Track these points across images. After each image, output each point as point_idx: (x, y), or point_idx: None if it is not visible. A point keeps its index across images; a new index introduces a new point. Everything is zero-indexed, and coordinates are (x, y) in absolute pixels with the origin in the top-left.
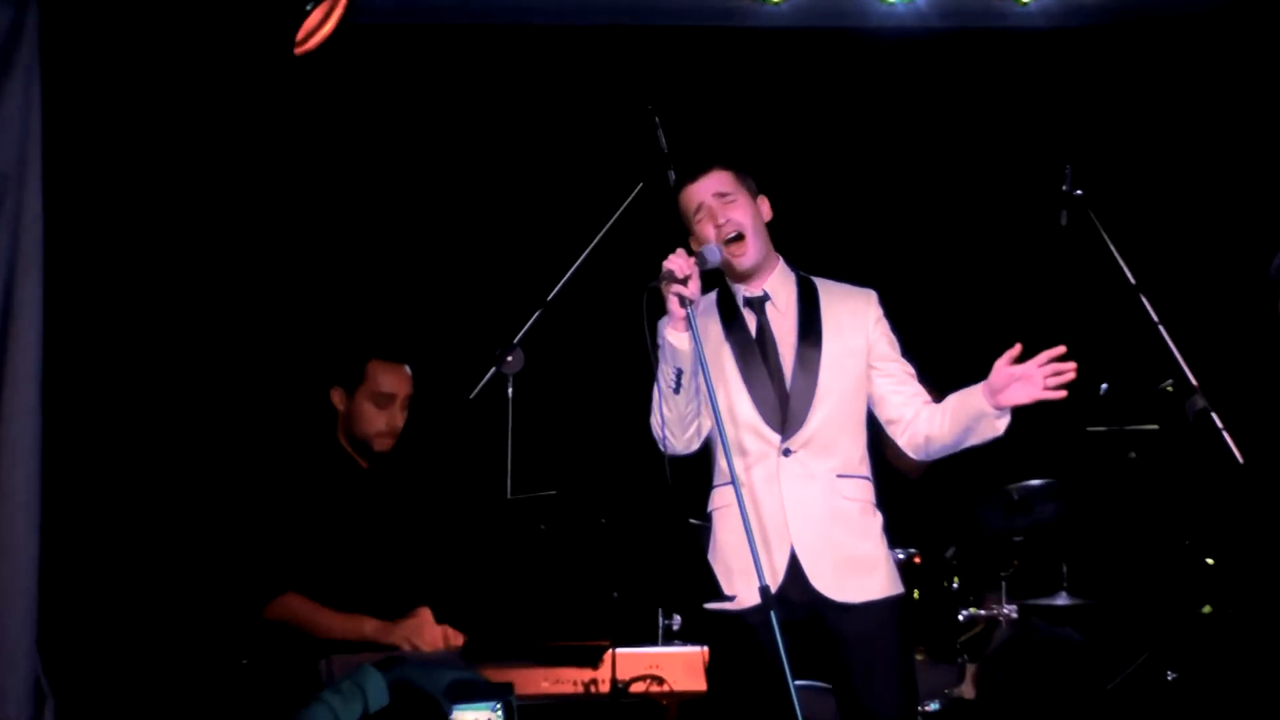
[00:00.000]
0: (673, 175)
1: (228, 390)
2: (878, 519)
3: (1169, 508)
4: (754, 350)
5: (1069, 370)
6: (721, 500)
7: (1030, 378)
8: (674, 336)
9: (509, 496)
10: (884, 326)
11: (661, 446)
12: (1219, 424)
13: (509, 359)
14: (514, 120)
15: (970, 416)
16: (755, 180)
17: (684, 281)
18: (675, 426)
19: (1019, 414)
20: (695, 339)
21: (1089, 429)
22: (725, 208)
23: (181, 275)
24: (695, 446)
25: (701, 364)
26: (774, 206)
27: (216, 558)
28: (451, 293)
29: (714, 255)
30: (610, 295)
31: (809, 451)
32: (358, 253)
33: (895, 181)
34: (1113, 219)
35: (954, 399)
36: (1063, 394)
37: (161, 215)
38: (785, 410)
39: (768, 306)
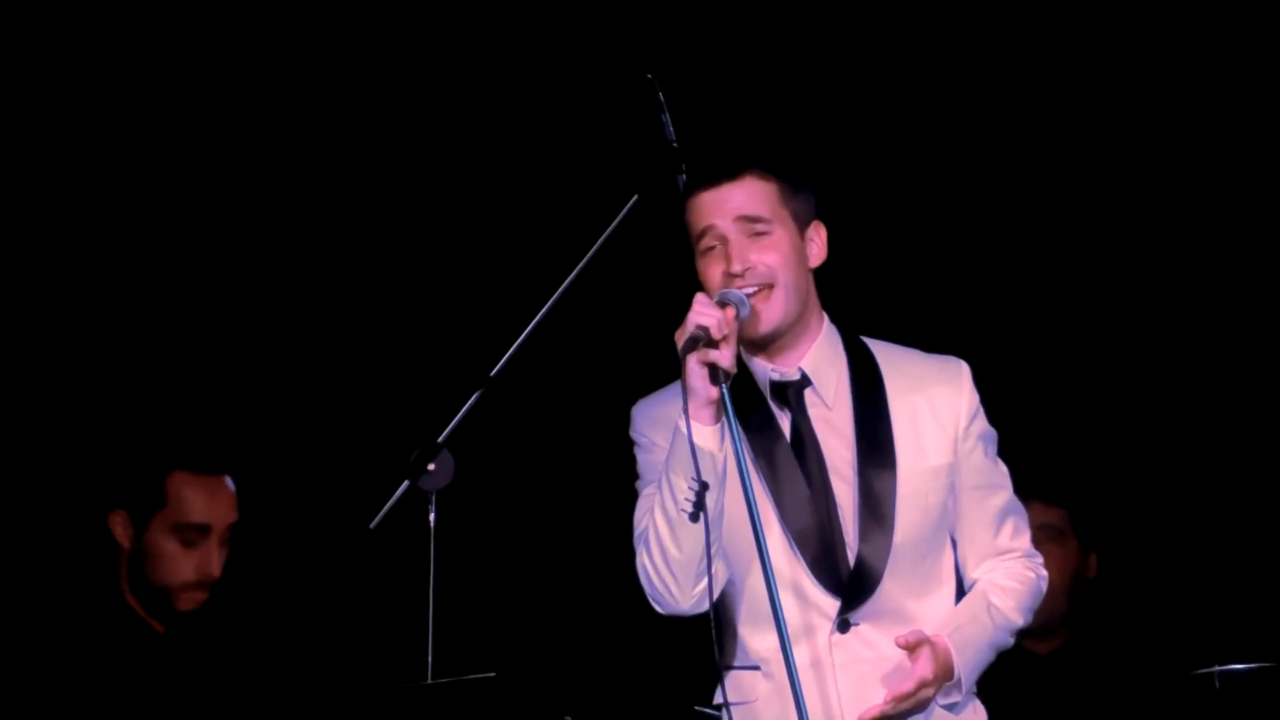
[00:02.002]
0: (684, 182)
1: None
2: (980, 716)
3: None
4: (792, 467)
5: None
6: (742, 691)
7: None
8: (698, 432)
9: (428, 681)
10: (979, 426)
11: (655, 603)
12: None
13: (431, 468)
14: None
15: None
16: (812, 195)
17: (717, 344)
18: (684, 573)
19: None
20: (733, 434)
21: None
22: (751, 244)
23: None
24: (706, 606)
25: (742, 473)
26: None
27: None
28: (333, 361)
29: (745, 307)
30: (588, 366)
31: (877, 624)
32: (158, 291)
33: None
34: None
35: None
36: None
37: None
38: (845, 564)
39: (809, 396)
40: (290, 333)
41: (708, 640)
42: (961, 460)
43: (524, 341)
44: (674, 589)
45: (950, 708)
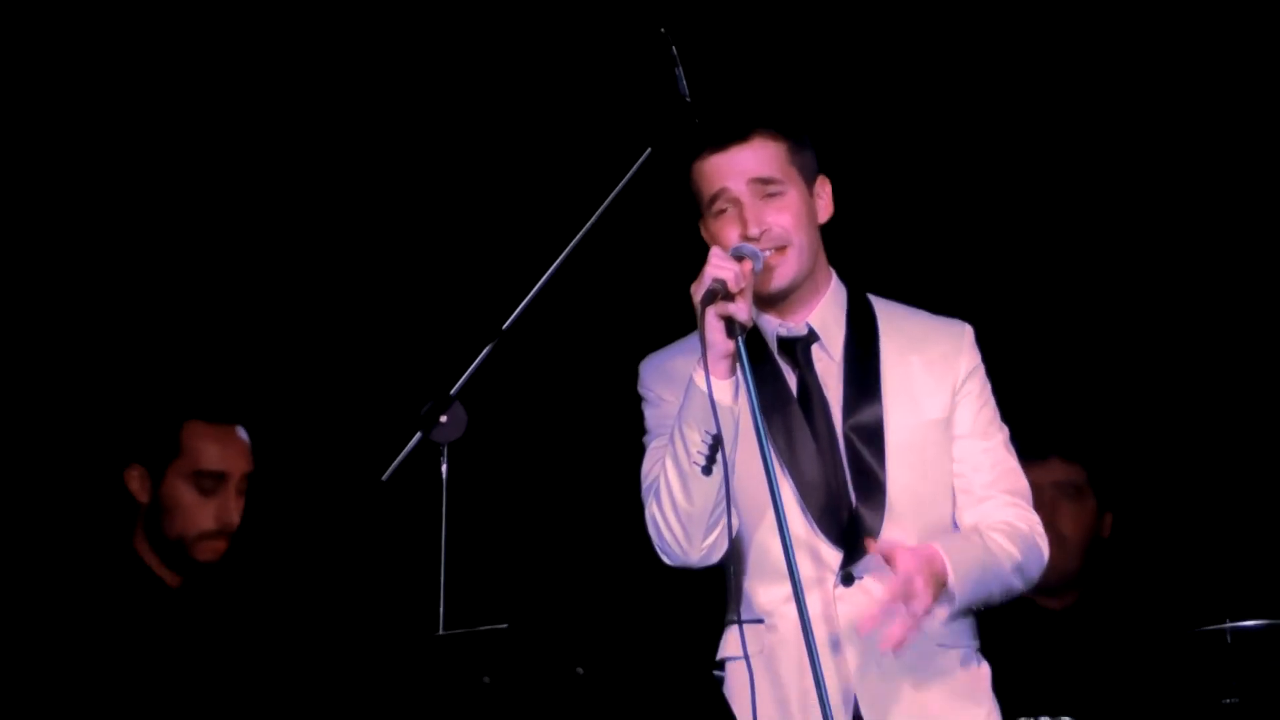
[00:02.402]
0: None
1: None
2: (984, 671)
3: None
4: (799, 419)
5: None
6: (740, 645)
7: None
8: (716, 385)
9: (440, 632)
10: (976, 383)
11: (664, 555)
12: None
13: (443, 420)
14: (446, 50)
15: None
16: (817, 152)
17: (734, 297)
18: (695, 526)
19: (1243, 515)
20: (749, 387)
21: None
22: (766, 205)
23: None
24: (716, 558)
25: (757, 426)
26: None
27: None
28: (344, 315)
29: (759, 260)
30: (600, 320)
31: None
32: (168, 246)
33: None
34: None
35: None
36: None
37: None
38: (847, 515)
39: (815, 351)
40: (303, 286)
41: (716, 594)
42: (956, 410)
43: (537, 294)
44: (683, 541)
45: (953, 660)
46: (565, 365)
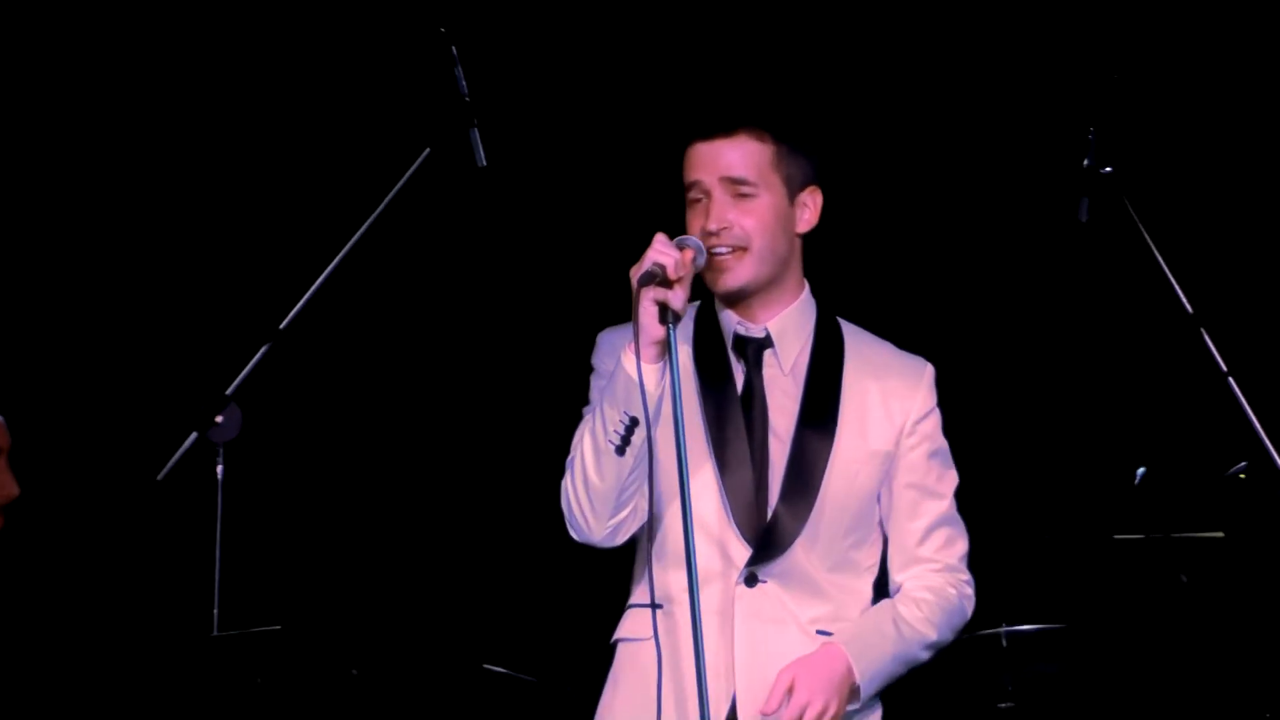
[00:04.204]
0: (476, 136)
1: None
2: (875, 711)
3: (1238, 655)
4: (737, 419)
5: None
6: (636, 628)
7: None
8: (644, 370)
9: (214, 633)
10: (930, 425)
11: (570, 529)
12: None
13: (219, 420)
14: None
15: None
16: (815, 159)
17: (671, 285)
18: (602, 503)
19: (1016, 522)
20: (674, 373)
21: (1117, 536)
22: (733, 205)
23: None
24: (620, 540)
25: (676, 415)
26: None
27: None
28: (120, 312)
29: (702, 255)
30: (377, 320)
31: (785, 586)
32: None
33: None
34: (1158, 212)
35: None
36: None
37: None
38: (764, 519)
39: (767, 356)
40: (79, 283)
41: (492, 594)
42: (901, 455)
43: (314, 294)
44: (590, 517)
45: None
46: (342, 365)
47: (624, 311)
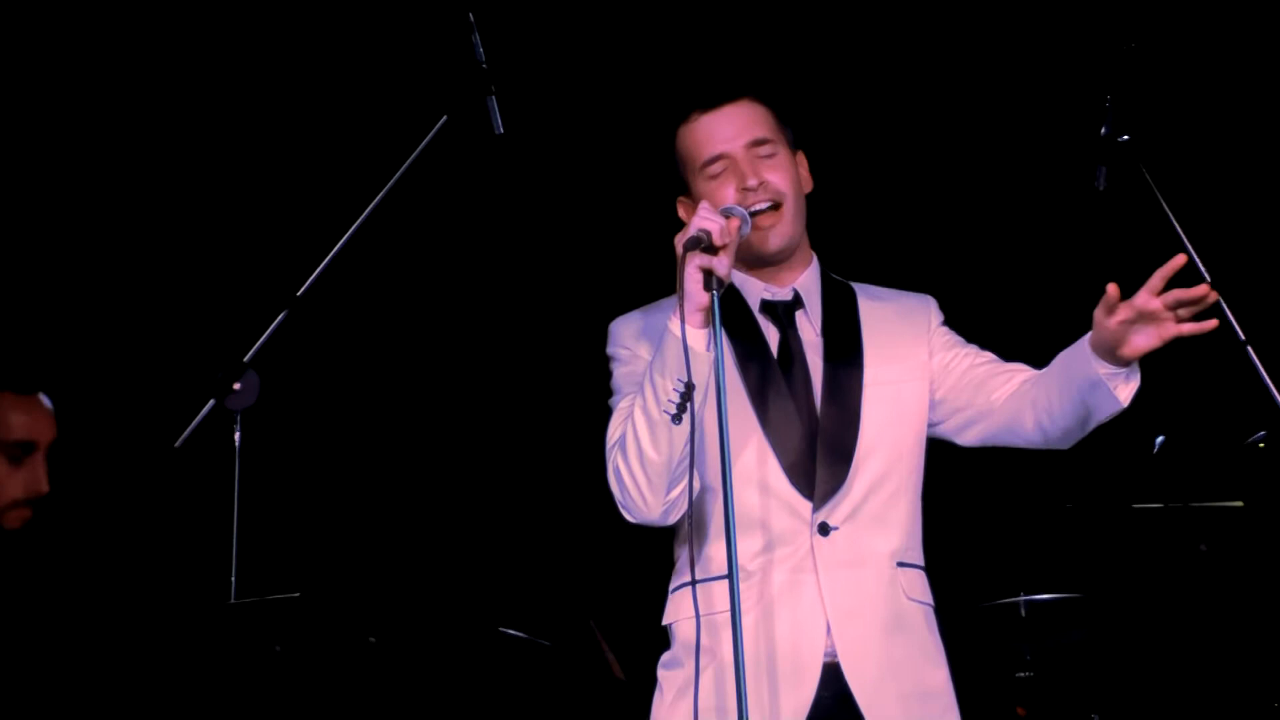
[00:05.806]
0: (494, 103)
1: None
2: (938, 633)
3: (1257, 625)
4: (778, 381)
5: (1203, 294)
6: (711, 603)
7: (1152, 311)
8: (690, 334)
9: (232, 601)
10: (949, 332)
11: (625, 511)
12: None
13: (236, 387)
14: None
15: (1079, 389)
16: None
17: (716, 251)
18: (658, 476)
19: (1035, 491)
20: (717, 343)
21: (1136, 505)
22: (760, 164)
23: None
24: (674, 517)
25: (719, 381)
26: None
27: None
28: (138, 282)
29: (748, 224)
30: (396, 288)
31: (857, 526)
32: None
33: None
34: (1175, 180)
35: (1055, 368)
36: (1208, 325)
37: None
38: (816, 467)
39: (798, 317)
40: (98, 253)
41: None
42: (935, 351)
43: (331, 262)
44: (647, 494)
45: (919, 618)
46: (359, 332)
47: (636, 287)
